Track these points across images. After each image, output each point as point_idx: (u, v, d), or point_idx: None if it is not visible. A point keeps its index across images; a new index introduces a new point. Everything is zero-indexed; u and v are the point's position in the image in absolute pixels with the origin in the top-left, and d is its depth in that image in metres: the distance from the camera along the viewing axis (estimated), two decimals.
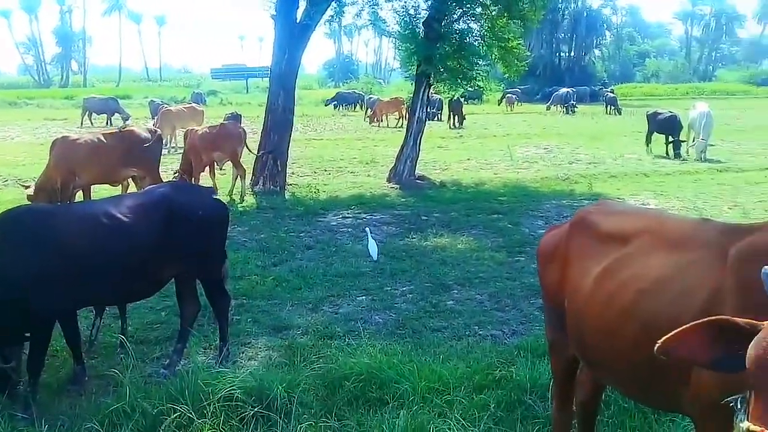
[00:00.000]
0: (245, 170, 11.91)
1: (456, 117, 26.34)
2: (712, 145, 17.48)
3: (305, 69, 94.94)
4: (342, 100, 37.18)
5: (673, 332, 1.83)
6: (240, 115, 19.00)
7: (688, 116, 18.09)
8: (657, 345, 1.84)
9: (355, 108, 36.62)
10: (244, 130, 12.62)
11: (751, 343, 1.70)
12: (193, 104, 22.83)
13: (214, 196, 5.10)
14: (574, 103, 35.00)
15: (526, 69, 16.87)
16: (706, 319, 1.82)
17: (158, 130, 11.58)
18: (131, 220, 4.44)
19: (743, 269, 2.21)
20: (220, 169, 12.40)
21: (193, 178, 11.24)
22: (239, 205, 11.16)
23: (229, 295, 5.18)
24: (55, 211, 5.17)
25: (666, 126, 17.76)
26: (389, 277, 7.37)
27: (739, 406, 1.78)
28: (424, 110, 13.95)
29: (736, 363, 1.78)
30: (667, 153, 17.54)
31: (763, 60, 76.02)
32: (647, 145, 18.34)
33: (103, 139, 9.91)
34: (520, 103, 37.94)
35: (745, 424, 1.67)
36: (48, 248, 4.25)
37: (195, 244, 4.63)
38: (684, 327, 1.82)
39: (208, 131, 11.86)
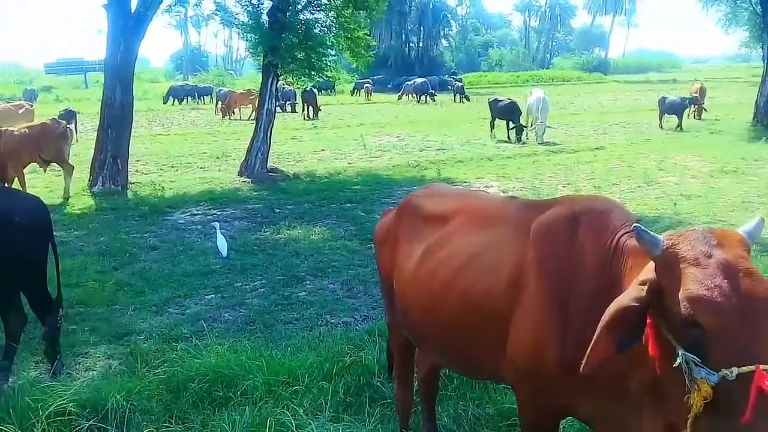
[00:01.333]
0: (73, 168, 11.18)
1: (311, 108, 26.24)
2: (549, 127, 18.66)
3: (151, 62, 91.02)
4: (175, 94, 35.43)
5: (588, 351, 1.84)
6: (75, 112, 17.77)
7: (527, 102, 19.23)
8: (582, 367, 1.85)
9: (202, 101, 35.46)
10: (68, 127, 11.78)
11: (685, 299, 1.73)
12: (23, 102, 21.02)
13: (32, 199, 4.71)
14: (433, 92, 35.91)
15: (374, 59, 17.12)
16: (608, 321, 1.83)
17: None
18: None
19: (542, 240, 2.36)
20: (44, 171, 11.54)
21: (16, 181, 10.33)
22: (74, 207, 10.45)
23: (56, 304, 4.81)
24: None
25: (506, 112, 18.73)
26: (240, 272, 7.23)
27: (686, 365, 1.74)
28: (273, 102, 13.77)
29: (633, 338, 1.86)
30: (509, 137, 18.53)
31: (594, 48, 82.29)
32: (491, 131, 19.29)
33: None
34: (371, 93, 38.50)
35: (732, 370, 1.65)
36: None
37: (11, 251, 4.25)
38: (594, 340, 1.83)
39: (28, 131, 10.92)
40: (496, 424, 3.84)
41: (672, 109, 20.64)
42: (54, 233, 4.78)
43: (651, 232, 1.87)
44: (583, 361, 1.85)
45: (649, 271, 1.90)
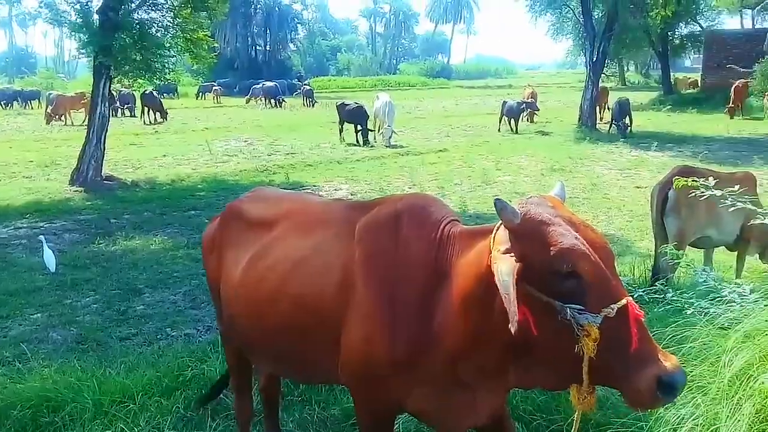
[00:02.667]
0: None
1: (154, 112, 24.95)
2: (395, 132, 19.13)
3: None
4: None
5: (514, 317, 1.80)
6: None
7: (374, 106, 19.60)
8: (514, 330, 1.80)
9: (29, 106, 32.76)
10: None
11: (562, 252, 1.83)
12: None
13: None
14: (282, 97, 35.51)
15: (218, 62, 16.69)
16: (514, 286, 1.83)
17: None
18: None
19: (367, 240, 2.38)
20: None
21: None
22: None
23: None
24: None
25: (353, 116, 18.97)
26: (70, 288, 6.74)
27: (571, 315, 1.83)
28: (107, 105, 12.97)
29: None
30: (357, 141, 18.78)
31: (437, 54, 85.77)
32: (340, 135, 19.45)
33: None
34: (219, 97, 37.53)
35: (612, 308, 1.79)
36: None
37: None
38: (512, 309, 1.81)
39: None
40: (341, 424, 3.84)
41: (511, 112, 21.92)
42: None
43: (510, 204, 1.96)
44: (513, 325, 1.81)
45: (504, 241, 1.96)
